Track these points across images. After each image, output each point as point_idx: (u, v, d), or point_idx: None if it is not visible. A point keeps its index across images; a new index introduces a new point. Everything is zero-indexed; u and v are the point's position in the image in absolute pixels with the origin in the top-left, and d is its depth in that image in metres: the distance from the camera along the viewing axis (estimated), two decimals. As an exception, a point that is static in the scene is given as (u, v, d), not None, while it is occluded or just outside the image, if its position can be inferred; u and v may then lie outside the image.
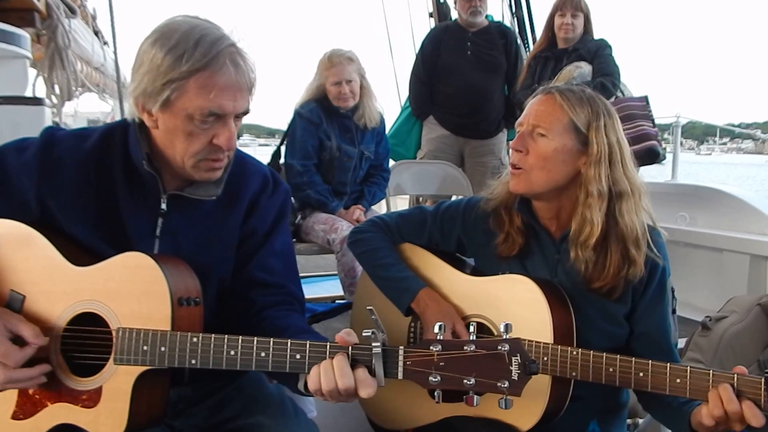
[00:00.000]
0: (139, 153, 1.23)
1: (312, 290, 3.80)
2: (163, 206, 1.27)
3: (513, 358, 0.97)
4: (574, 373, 1.33)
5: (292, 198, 3.06)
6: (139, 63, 1.18)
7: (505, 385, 0.97)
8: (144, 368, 1.15)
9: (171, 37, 1.15)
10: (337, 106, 2.99)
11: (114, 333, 1.17)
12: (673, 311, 1.53)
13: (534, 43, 4.82)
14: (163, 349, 1.14)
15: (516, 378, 0.97)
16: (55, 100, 3.31)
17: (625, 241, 1.40)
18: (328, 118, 3.01)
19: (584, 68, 3.38)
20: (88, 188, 1.26)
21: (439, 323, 1.02)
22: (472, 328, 1.01)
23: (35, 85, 3.28)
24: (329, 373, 1.04)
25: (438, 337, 1.01)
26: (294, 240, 3.05)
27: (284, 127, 3.16)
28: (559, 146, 1.40)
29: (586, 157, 1.41)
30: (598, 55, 3.40)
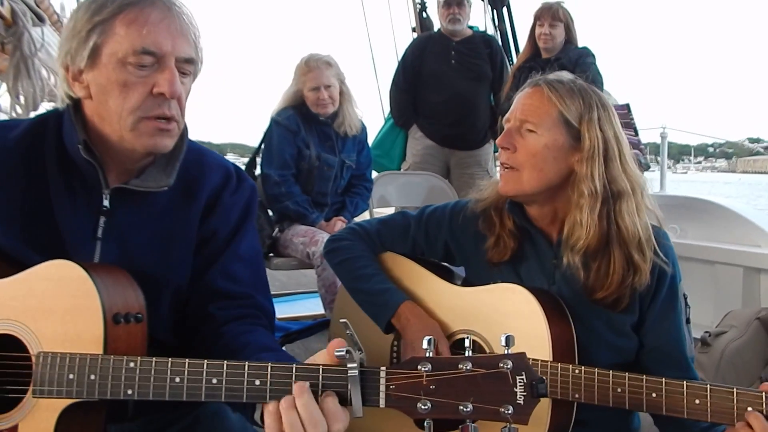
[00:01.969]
0: (74, 139, 1.05)
1: (293, 309, 3.61)
2: (106, 203, 1.09)
3: (517, 377, 0.79)
4: (577, 395, 1.17)
5: (269, 211, 2.89)
6: (65, 31, 1.04)
7: (509, 411, 0.78)
8: (69, 401, 0.95)
9: None
10: (316, 113, 2.85)
11: (33, 359, 0.97)
12: (687, 320, 1.37)
13: (517, 55, 4.77)
14: (92, 377, 0.93)
15: (522, 402, 0.78)
16: (19, 110, 3.15)
17: (628, 246, 1.26)
18: (307, 125, 2.86)
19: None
20: (13, 184, 1.07)
21: (427, 337, 0.83)
22: (467, 343, 0.83)
23: (-1, 97, 3.13)
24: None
25: (427, 354, 0.82)
26: (271, 254, 2.87)
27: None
28: (550, 142, 1.28)
29: (579, 153, 1.28)
30: (580, 63, 3.37)
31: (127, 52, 0.99)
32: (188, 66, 1.06)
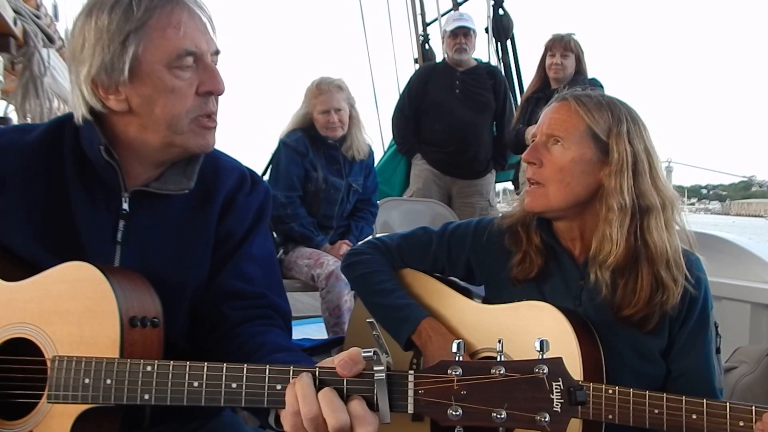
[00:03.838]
0: (94, 140, 1.03)
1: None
2: (125, 206, 1.07)
3: (554, 383, 0.76)
4: (610, 416, 1.13)
5: (274, 233, 2.86)
6: (80, 44, 0.99)
7: (546, 419, 0.75)
8: (85, 407, 0.92)
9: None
10: (325, 136, 2.85)
11: (48, 363, 0.94)
12: (717, 350, 1.33)
13: (520, 87, 4.84)
14: (108, 381, 0.90)
15: (559, 410, 0.75)
16: (27, 130, 3.15)
17: (656, 263, 1.24)
18: (315, 148, 2.86)
19: None
20: (31, 187, 1.05)
21: (457, 341, 0.81)
22: (499, 347, 0.81)
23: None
24: (310, 401, 0.80)
25: (457, 358, 0.80)
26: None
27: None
28: (577, 156, 1.26)
29: (607, 167, 1.25)
30: None
31: (171, 57, 0.98)
32: (216, 57, 1.06)
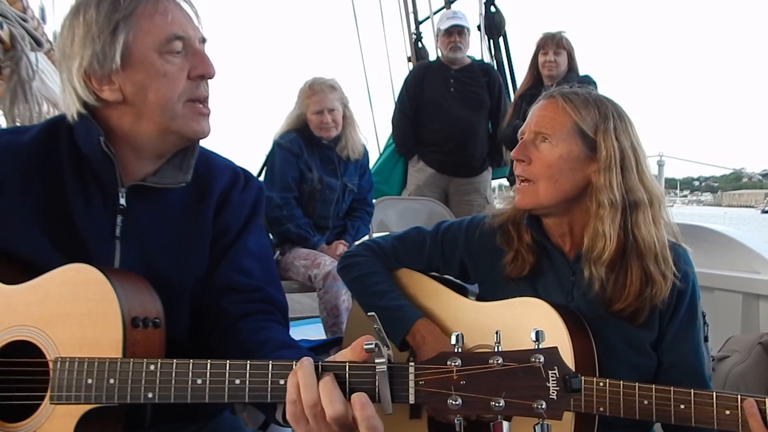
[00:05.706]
0: (93, 133, 1.04)
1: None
2: (122, 201, 1.08)
3: (550, 372, 0.78)
4: (601, 408, 1.15)
5: (270, 234, 2.87)
6: (70, 40, 1.02)
7: (543, 407, 0.77)
8: (88, 407, 0.93)
9: None
10: (319, 137, 2.86)
11: (51, 364, 0.95)
12: (705, 339, 1.37)
13: (513, 84, 4.85)
14: (112, 381, 0.92)
15: (555, 397, 0.77)
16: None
17: (644, 257, 1.26)
18: (309, 148, 2.87)
19: None
20: (30, 187, 1.06)
21: (456, 333, 0.83)
22: (496, 338, 0.83)
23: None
24: (311, 389, 0.81)
25: (456, 350, 0.81)
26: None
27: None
28: (565, 153, 1.27)
29: (595, 163, 1.27)
30: None
31: (161, 42, 1.01)
32: (203, 45, 1.08)
